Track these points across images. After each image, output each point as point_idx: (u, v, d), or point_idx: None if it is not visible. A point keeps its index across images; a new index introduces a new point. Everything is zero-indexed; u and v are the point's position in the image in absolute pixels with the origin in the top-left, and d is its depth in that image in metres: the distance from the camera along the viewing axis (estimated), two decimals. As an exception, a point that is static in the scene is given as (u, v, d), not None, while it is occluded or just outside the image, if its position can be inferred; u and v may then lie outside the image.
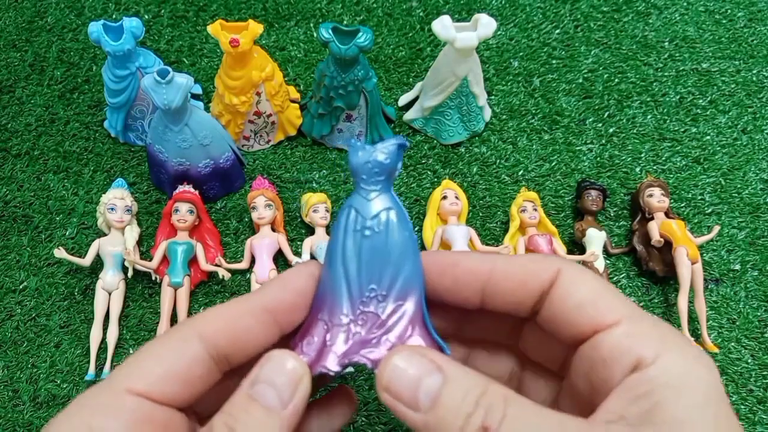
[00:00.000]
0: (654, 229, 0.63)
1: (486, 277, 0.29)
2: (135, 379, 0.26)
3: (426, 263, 0.30)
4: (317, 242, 0.62)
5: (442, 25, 0.62)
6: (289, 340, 0.30)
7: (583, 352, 0.27)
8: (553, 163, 0.71)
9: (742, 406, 0.58)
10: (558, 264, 0.28)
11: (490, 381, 0.26)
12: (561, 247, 0.63)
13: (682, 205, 0.69)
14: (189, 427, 0.28)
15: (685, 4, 0.84)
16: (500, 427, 0.24)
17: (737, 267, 0.65)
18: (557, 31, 0.81)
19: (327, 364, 0.29)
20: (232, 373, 0.29)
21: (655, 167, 0.71)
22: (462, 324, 0.33)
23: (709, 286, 0.64)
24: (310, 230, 0.64)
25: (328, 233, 0.64)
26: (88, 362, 0.57)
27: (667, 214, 0.64)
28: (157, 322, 0.59)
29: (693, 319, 0.60)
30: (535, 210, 0.63)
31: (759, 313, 0.63)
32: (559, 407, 0.30)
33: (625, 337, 0.26)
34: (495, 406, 0.25)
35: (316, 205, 0.63)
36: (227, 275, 0.60)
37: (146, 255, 0.63)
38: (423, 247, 0.65)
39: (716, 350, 0.58)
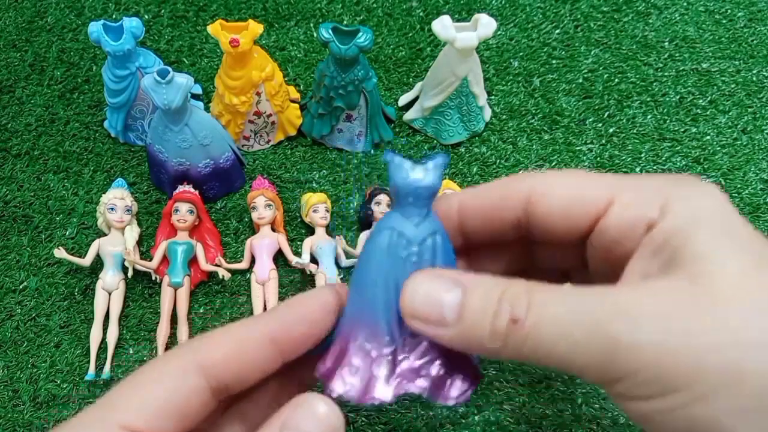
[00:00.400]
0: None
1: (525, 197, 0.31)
2: (130, 414, 0.25)
3: (466, 197, 0.32)
4: (317, 242, 0.62)
5: (442, 25, 0.62)
6: (289, 363, 0.29)
7: (593, 242, 0.28)
8: (553, 163, 0.71)
9: (742, 406, 0.58)
10: (530, 180, 0.30)
11: (511, 279, 0.26)
12: (561, 247, 0.63)
13: (682, 205, 0.69)
14: None
15: (685, 4, 0.84)
16: (528, 314, 0.25)
17: (737, 267, 0.65)
18: (557, 31, 0.81)
19: (379, 396, 0.28)
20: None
21: (655, 167, 0.71)
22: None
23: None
24: (310, 230, 0.64)
25: (328, 233, 0.64)
26: (88, 362, 0.57)
27: (667, 214, 0.64)
28: (157, 322, 0.59)
29: (693, 319, 0.60)
30: (535, 210, 0.63)
31: (759, 313, 0.63)
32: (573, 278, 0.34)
33: (624, 211, 0.27)
34: (519, 298, 0.25)
35: (316, 205, 0.63)
36: (227, 275, 0.60)
37: (146, 255, 0.63)
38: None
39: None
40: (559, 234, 0.30)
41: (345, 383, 0.28)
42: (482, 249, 0.33)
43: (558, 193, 0.29)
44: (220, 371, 0.26)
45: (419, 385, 0.29)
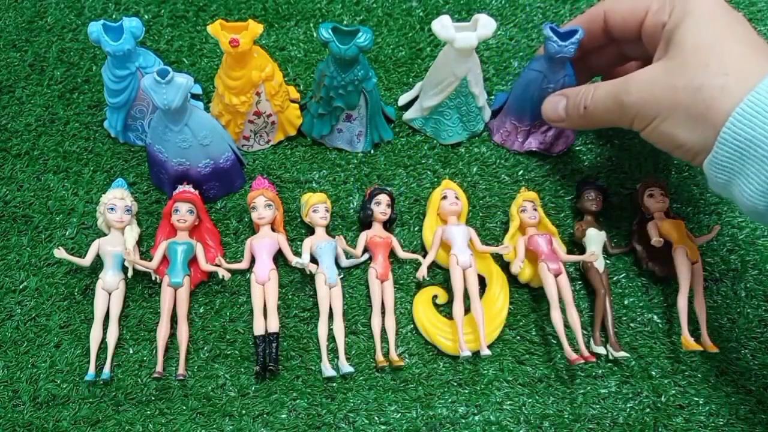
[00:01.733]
0: (654, 229, 0.63)
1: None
2: None
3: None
4: (317, 242, 0.62)
5: (442, 25, 0.62)
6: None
7: (644, 39, 0.56)
8: (553, 163, 0.71)
9: (742, 407, 0.58)
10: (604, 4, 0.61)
11: (589, 85, 0.57)
12: (561, 247, 0.63)
13: (682, 205, 0.69)
14: None
15: (685, 4, 0.84)
16: (590, 102, 0.57)
17: (737, 267, 0.65)
18: (557, 31, 0.81)
19: (515, 147, 0.71)
20: None
21: (655, 167, 0.71)
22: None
23: (709, 286, 0.64)
24: (310, 230, 0.64)
25: (328, 233, 0.64)
26: (88, 362, 0.57)
27: (667, 214, 0.64)
28: (157, 322, 0.59)
29: (693, 319, 0.60)
30: (535, 210, 0.63)
31: (759, 313, 0.63)
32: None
33: (652, 16, 0.54)
34: (588, 94, 0.57)
35: (316, 205, 0.63)
36: (227, 275, 0.60)
37: (146, 255, 0.63)
38: (423, 248, 0.65)
39: (716, 350, 0.58)
40: (626, 31, 0.57)
41: (501, 137, 0.71)
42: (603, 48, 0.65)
43: (619, 7, 0.58)
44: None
45: (540, 144, 0.70)
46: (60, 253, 0.59)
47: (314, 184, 0.68)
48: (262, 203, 0.62)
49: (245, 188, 0.68)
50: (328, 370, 0.57)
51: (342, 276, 0.63)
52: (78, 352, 0.59)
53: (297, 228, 0.66)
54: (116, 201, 0.61)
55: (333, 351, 0.59)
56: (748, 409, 0.58)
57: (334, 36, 0.60)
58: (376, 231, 0.63)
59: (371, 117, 0.68)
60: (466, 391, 0.58)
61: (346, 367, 0.57)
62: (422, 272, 0.61)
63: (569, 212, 0.68)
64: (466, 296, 0.60)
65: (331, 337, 0.60)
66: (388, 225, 0.65)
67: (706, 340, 0.58)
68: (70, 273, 0.63)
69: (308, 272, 0.61)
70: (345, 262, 0.63)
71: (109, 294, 0.59)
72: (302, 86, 0.75)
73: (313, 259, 0.62)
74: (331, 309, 0.60)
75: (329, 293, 0.60)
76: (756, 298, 0.64)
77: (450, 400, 0.58)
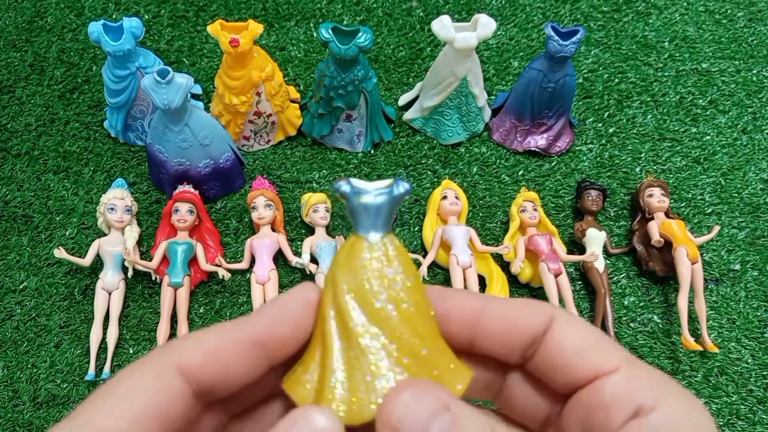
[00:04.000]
0: (654, 229, 0.63)
1: (477, 315, 0.27)
2: (109, 419, 0.23)
3: None
4: (317, 242, 0.62)
5: (442, 25, 0.62)
6: (280, 371, 0.27)
7: (580, 399, 0.26)
8: (553, 163, 0.71)
9: (742, 406, 0.58)
10: (552, 310, 0.27)
11: (495, 422, 0.25)
12: (561, 247, 0.63)
13: (682, 205, 0.69)
14: None
15: (685, 4, 0.84)
16: None
17: (737, 267, 0.65)
18: (557, 31, 0.81)
19: (514, 146, 0.69)
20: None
21: (655, 167, 0.71)
22: None
23: (709, 286, 0.64)
24: (310, 230, 0.64)
25: (328, 233, 0.64)
26: (88, 362, 0.57)
27: (667, 214, 0.64)
28: (157, 322, 0.59)
29: (693, 319, 0.60)
30: (535, 210, 0.63)
31: (759, 313, 0.63)
32: None
33: (626, 382, 0.25)
34: None
35: (316, 205, 0.63)
36: (227, 275, 0.60)
37: (146, 255, 0.63)
38: (423, 248, 0.65)
39: (716, 350, 0.58)
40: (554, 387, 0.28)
41: (500, 135, 0.70)
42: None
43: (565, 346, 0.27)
44: (200, 373, 0.25)
45: (540, 143, 0.70)
46: (60, 253, 0.59)
47: (314, 184, 0.68)
48: (262, 203, 0.62)
49: (245, 188, 0.68)
50: None
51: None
52: (78, 352, 0.59)
53: (297, 228, 0.66)
54: (116, 201, 0.61)
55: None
56: (748, 408, 0.58)
57: (334, 36, 0.60)
58: (376, 231, 0.63)
59: (371, 117, 0.68)
60: (466, 391, 0.58)
61: None
62: (422, 272, 0.61)
63: (569, 212, 0.68)
64: (466, 296, 0.60)
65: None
66: (388, 225, 0.65)
67: (706, 340, 0.58)
68: (70, 273, 0.63)
69: (308, 272, 0.61)
70: None
71: (109, 294, 0.59)
72: (302, 86, 0.75)
73: (313, 259, 0.62)
74: None
75: None
76: (756, 298, 0.64)
77: (450, 400, 0.58)
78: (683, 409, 0.25)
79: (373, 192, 0.25)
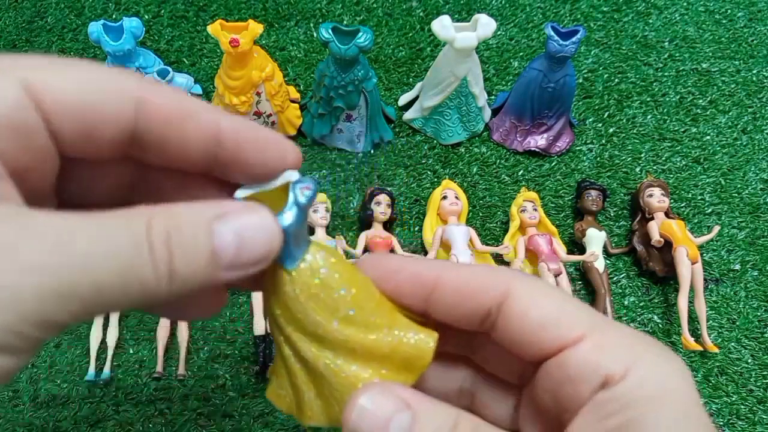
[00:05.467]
0: (654, 229, 0.63)
1: (430, 287, 0.26)
2: None
3: (367, 268, 0.27)
4: (317, 242, 0.62)
5: (442, 25, 0.62)
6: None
7: (548, 369, 0.25)
8: (553, 163, 0.71)
9: (742, 406, 0.58)
10: (509, 278, 0.26)
11: (460, 412, 0.25)
12: (561, 247, 0.63)
13: (682, 205, 0.69)
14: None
15: (685, 4, 0.84)
16: None
17: (737, 267, 0.65)
18: (557, 31, 0.81)
19: (514, 146, 0.70)
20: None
21: (655, 167, 0.71)
22: None
23: (709, 286, 0.64)
24: (310, 230, 0.64)
25: (328, 233, 0.64)
26: (88, 362, 0.57)
27: (667, 214, 0.64)
28: (157, 322, 0.59)
29: (693, 319, 0.60)
30: (535, 210, 0.63)
31: (759, 313, 0.63)
32: (520, 420, 0.28)
33: (592, 352, 0.24)
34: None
35: (316, 205, 0.63)
36: (227, 275, 0.60)
37: (146, 255, 0.63)
38: (423, 247, 0.65)
39: (716, 350, 0.58)
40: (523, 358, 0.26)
41: (500, 135, 0.69)
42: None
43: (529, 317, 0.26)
44: (54, 98, 0.20)
45: (540, 143, 0.69)
46: (60, 253, 0.59)
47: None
48: (262, 203, 0.62)
49: (245, 188, 0.68)
50: None
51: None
52: (78, 352, 0.59)
53: (297, 228, 0.66)
54: (116, 201, 0.61)
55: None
56: (748, 408, 0.58)
57: (334, 36, 0.60)
58: (377, 231, 0.63)
59: (371, 117, 0.68)
60: (466, 391, 0.58)
61: None
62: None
63: (569, 212, 0.68)
64: (466, 296, 0.60)
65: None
66: (388, 225, 0.65)
67: (706, 340, 0.58)
68: (70, 273, 0.63)
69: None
70: None
71: (109, 294, 0.59)
72: (302, 86, 0.75)
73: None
74: None
75: None
76: (756, 298, 0.64)
77: (450, 400, 0.58)
78: (655, 376, 0.23)
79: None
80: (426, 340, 0.26)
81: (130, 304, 0.20)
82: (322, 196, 0.64)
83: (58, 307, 0.18)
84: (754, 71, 0.79)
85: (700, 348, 0.57)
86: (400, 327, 0.26)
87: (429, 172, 0.70)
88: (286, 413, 0.27)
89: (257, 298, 0.60)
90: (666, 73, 0.78)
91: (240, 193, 0.24)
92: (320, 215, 0.63)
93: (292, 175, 0.24)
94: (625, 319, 0.62)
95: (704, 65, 0.79)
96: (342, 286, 0.25)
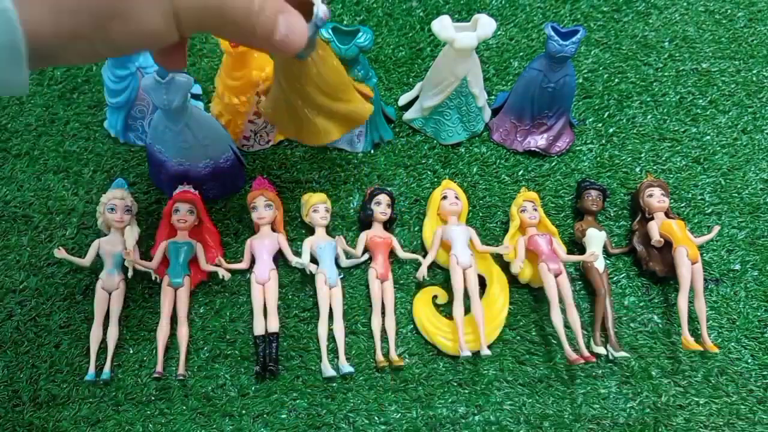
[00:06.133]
0: (654, 229, 0.63)
1: None
2: None
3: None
4: (317, 242, 0.62)
5: (442, 25, 0.62)
6: None
7: None
8: (553, 163, 0.71)
9: (742, 406, 0.58)
10: None
11: None
12: (561, 247, 0.63)
13: (682, 205, 0.69)
14: None
15: (685, 4, 0.84)
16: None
17: (737, 267, 0.65)
18: (557, 31, 0.81)
19: (514, 146, 0.71)
20: None
21: (655, 167, 0.71)
22: None
23: (709, 286, 0.64)
24: (310, 230, 0.64)
25: (328, 233, 0.64)
26: (88, 362, 0.57)
27: (667, 214, 0.64)
28: (157, 322, 0.59)
29: (693, 319, 0.60)
30: (535, 210, 0.63)
31: (759, 313, 0.63)
32: None
33: None
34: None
35: (316, 205, 0.63)
36: (227, 275, 0.60)
37: (146, 255, 0.63)
38: (423, 248, 0.65)
39: (716, 350, 0.58)
40: None
41: (500, 135, 0.70)
42: None
43: None
44: None
45: (540, 143, 0.70)
46: (60, 253, 0.59)
47: (314, 184, 0.68)
48: (262, 203, 0.62)
49: (245, 188, 0.68)
50: (328, 370, 0.57)
51: (342, 276, 0.63)
52: (78, 352, 0.59)
53: (297, 228, 0.66)
54: (116, 201, 0.61)
55: (332, 351, 0.59)
56: (748, 408, 0.58)
57: (334, 36, 0.60)
58: (376, 231, 0.63)
59: (371, 117, 0.67)
60: (466, 391, 0.58)
61: (346, 367, 0.57)
62: (422, 272, 0.61)
63: (569, 212, 0.68)
64: (466, 296, 0.60)
65: (331, 338, 0.60)
66: (388, 225, 0.65)
67: (706, 340, 0.58)
68: (70, 273, 0.63)
69: (308, 272, 0.61)
70: (345, 262, 0.63)
71: (109, 294, 0.59)
72: (302, 86, 0.75)
73: (313, 259, 0.62)
74: (331, 309, 0.60)
75: (329, 293, 0.60)
76: (756, 298, 0.64)
77: (450, 400, 0.58)
78: None
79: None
80: (366, 109, 0.57)
81: (216, 17, 0.35)
82: (322, 196, 0.64)
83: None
84: (754, 71, 0.79)
85: (700, 348, 0.57)
86: (354, 101, 0.55)
87: (429, 172, 0.70)
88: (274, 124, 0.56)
89: (257, 297, 0.60)
90: (666, 73, 0.78)
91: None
92: (320, 215, 0.63)
93: (318, 1, 0.43)
94: (625, 319, 0.62)
95: (704, 65, 0.79)
96: (327, 74, 0.50)
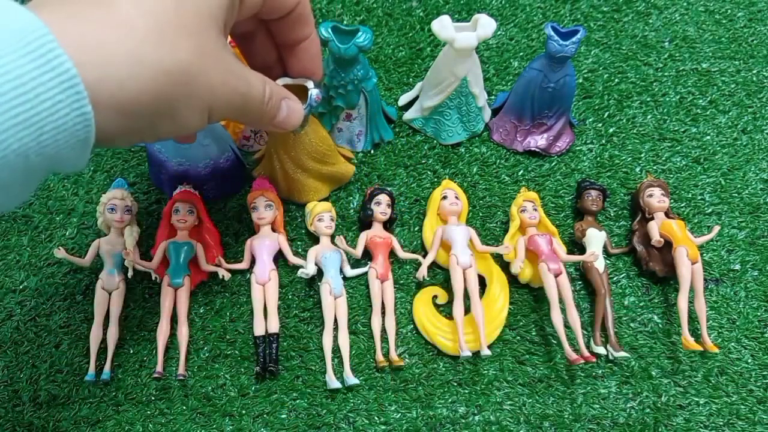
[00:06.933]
0: (654, 229, 0.63)
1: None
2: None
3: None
4: (322, 252, 0.61)
5: (442, 25, 0.62)
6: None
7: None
8: (553, 163, 0.71)
9: (742, 406, 0.58)
10: None
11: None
12: (561, 247, 0.63)
13: (682, 205, 0.69)
14: None
15: (685, 4, 0.84)
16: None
17: (737, 267, 0.65)
18: (557, 31, 0.81)
19: (514, 146, 0.71)
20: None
21: (655, 167, 0.71)
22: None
23: (709, 286, 0.64)
24: (312, 235, 0.64)
25: (332, 242, 0.63)
26: (88, 362, 0.57)
27: (667, 214, 0.64)
28: (157, 322, 0.59)
29: (693, 319, 0.60)
30: (535, 210, 0.63)
31: (759, 313, 0.63)
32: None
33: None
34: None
35: (320, 214, 0.62)
36: (227, 275, 0.60)
37: (146, 255, 0.63)
38: (423, 247, 0.65)
39: (716, 350, 0.58)
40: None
41: (500, 135, 0.71)
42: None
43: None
44: None
45: (540, 143, 0.70)
46: (60, 253, 0.59)
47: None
48: (263, 203, 0.62)
49: (245, 188, 0.68)
50: (333, 382, 0.57)
51: (347, 286, 0.62)
52: (78, 352, 0.59)
53: (297, 228, 0.66)
54: (116, 201, 0.61)
55: (335, 354, 0.59)
56: (748, 408, 0.58)
57: (333, 35, 0.60)
58: (376, 231, 0.63)
59: (371, 117, 0.68)
60: (466, 391, 0.58)
61: (351, 379, 0.57)
62: (422, 272, 0.61)
63: (569, 212, 0.68)
64: (466, 296, 0.60)
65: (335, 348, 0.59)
66: (388, 225, 0.65)
67: (706, 340, 0.58)
68: (70, 273, 0.63)
69: (306, 276, 0.60)
70: (349, 273, 0.62)
71: (109, 294, 0.59)
72: (302, 86, 0.75)
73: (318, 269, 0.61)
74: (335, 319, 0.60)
75: (334, 303, 0.60)
76: (756, 298, 0.64)
77: (450, 400, 0.58)
78: None
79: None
80: (348, 170, 0.66)
81: (237, 110, 0.43)
82: (326, 205, 0.63)
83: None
84: (754, 71, 0.79)
85: (700, 348, 0.57)
86: (339, 163, 0.65)
87: (429, 172, 0.70)
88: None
89: (257, 297, 0.60)
90: (666, 73, 0.78)
91: (281, 80, 0.52)
92: (325, 224, 0.62)
93: (310, 84, 0.52)
94: (625, 319, 0.62)
95: (704, 65, 0.79)
96: (317, 143, 0.61)
